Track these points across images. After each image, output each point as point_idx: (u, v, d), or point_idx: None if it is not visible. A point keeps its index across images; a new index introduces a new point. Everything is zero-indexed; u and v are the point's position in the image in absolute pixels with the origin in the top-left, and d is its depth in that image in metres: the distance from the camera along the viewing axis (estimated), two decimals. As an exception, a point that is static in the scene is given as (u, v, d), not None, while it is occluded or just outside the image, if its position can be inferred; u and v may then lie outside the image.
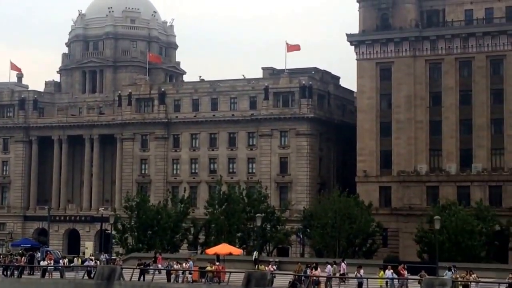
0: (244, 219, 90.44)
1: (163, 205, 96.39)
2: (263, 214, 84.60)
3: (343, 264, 65.55)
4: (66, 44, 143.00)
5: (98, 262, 78.52)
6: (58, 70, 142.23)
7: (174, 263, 67.95)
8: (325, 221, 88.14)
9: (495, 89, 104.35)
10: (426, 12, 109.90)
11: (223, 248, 75.21)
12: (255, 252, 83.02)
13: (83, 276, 66.65)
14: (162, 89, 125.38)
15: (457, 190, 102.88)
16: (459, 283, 58.52)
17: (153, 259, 72.85)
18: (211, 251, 76.31)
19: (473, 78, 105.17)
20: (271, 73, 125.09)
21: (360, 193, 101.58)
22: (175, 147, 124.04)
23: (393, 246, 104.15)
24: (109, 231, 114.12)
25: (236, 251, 77.50)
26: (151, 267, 67.83)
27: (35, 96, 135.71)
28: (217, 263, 67.56)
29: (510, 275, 58.65)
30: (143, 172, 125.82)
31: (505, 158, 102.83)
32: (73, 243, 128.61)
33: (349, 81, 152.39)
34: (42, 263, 72.25)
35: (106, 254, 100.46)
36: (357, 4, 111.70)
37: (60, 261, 74.26)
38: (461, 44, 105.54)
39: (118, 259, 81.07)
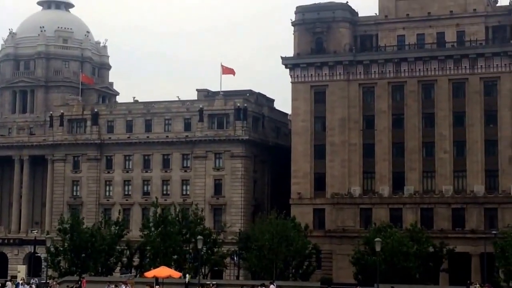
0: (180, 242, 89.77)
1: (97, 228, 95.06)
2: (201, 237, 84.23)
3: (272, 286, 66.06)
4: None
5: (28, 286, 76.96)
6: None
7: (113, 286, 66.96)
8: (262, 243, 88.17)
9: (427, 113, 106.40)
10: (360, 37, 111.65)
11: (162, 271, 74.47)
12: (188, 275, 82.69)
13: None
14: (95, 110, 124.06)
15: (389, 212, 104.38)
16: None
17: (78, 283, 71.62)
18: (150, 274, 75.44)
19: (405, 102, 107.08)
20: (206, 95, 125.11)
21: (294, 215, 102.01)
22: (108, 168, 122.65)
23: (327, 268, 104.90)
24: (39, 254, 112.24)
25: (176, 274, 76.82)
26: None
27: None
28: (157, 287, 66.83)
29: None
30: (74, 194, 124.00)
31: (436, 181, 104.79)
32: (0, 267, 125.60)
33: (283, 103, 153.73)
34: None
35: (36, 278, 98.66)
36: (292, 28, 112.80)
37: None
38: (394, 68, 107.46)
39: (54, 282, 79.42)
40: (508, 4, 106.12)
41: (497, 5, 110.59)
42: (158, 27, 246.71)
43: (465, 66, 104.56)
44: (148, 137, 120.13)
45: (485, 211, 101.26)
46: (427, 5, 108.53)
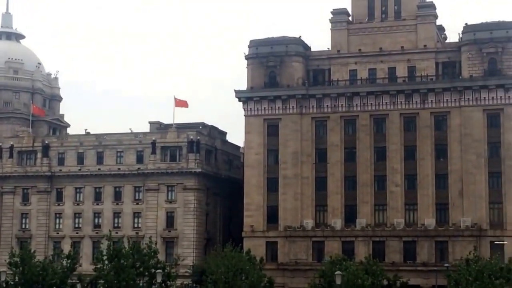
0: (134, 275, 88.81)
1: (48, 261, 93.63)
2: (160, 270, 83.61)
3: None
4: None
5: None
6: None
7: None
8: (217, 277, 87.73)
9: (378, 146, 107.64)
10: (313, 71, 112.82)
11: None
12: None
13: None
14: (46, 142, 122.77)
15: (342, 245, 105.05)
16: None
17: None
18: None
19: (357, 136, 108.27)
20: (158, 127, 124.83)
21: (249, 248, 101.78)
22: (58, 201, 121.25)
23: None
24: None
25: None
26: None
27: None
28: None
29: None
30: (23, 226, 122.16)
31: (388, 214, 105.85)
32: None
33: (236, 136, 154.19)
34: None
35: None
36: (246, 61, 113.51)
37: None
38: (346, 102, 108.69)
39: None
40: (457, 41, 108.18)
41: (447, 41, 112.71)
42: (112, 59, 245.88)
43: (416, 101, 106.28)
44: (99, 169, 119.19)
45: (436, 244, 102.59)
46: (378, 41, 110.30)
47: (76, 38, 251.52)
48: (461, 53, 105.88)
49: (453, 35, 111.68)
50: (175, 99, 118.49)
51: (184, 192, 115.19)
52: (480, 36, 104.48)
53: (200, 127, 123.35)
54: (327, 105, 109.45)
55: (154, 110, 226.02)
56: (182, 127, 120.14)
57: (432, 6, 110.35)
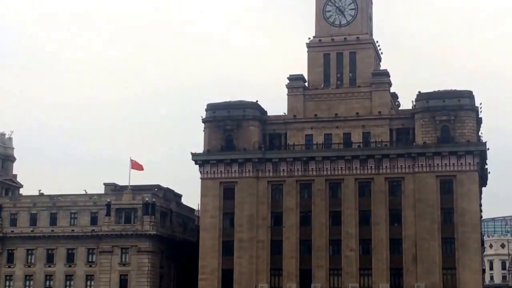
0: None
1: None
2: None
3: None
4: None
5: None
6: None
7: None
8: None
9: (334, 211, 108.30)
10: (269, 135, 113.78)
11: None
12: None
13: None
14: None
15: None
16: None
17: None
18: None
19: (313, 200, 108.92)
20: (113, 189, 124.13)
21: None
22: (9, 262, 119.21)
23: None
24: None
25: None
26: None
27: None
28: None
29: None
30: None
31: (343, 279, 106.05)
32: None
33: (191, 199, 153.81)
34: None
35: None
36: (203, 124, 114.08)
37: None
38: (302, 167, 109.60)
39: None
40: (411, 108, 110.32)
41: (400, 108, 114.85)
42: (68, 120, 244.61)
43: (371, 166, 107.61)
44: (52, 230, 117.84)
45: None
46: (334, 107, 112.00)
47: (30, 100, 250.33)
48: (415, 120, 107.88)
49: (406, 102, 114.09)
50: (131, 160, 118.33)
51: (138, 254, 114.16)
52: (433, 104, 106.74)
53: (156, 189, 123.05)
54: (283, 169, 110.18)
55: (109, 172, 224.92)
56: (137, 189, 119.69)
57: (386, 74, 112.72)
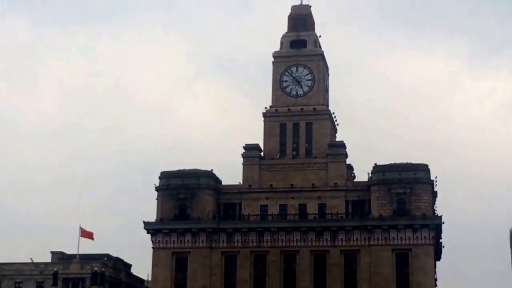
0: None
1: None
2: None
3: None
4: None
5: None
6: None
7: None
8: None
9: (288, 283, 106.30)
10: (224, 205, 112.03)
11: None
12: None
13: None
14: None
15: None
16: None
17: None
18: None
19: (267, 272, 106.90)
20: (61, 257, 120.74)
21: None
22: None
23: None
24: None
25: None
26: None
27: None
28: None
29: None
30: None
31: None
32: None
33: (142, 269, 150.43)
34: None
35: None
36: (156, 193, 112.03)
37: None
38: (257, 238, 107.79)
39: None
40: (366, 180, 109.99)
41: (356, 180, 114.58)
42: (16, 182, 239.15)
43: (326, 239, 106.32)
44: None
45: None
46: (290, 177, 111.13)
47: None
48: (371, 192, 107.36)
49: (362, 174, 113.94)
50: (81, 228, 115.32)
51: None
52: (389, 176, 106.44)
53: (105, 258, 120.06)
54: (238, 240, 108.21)
55: (57, 240, 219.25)
56: (86, 258, 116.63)
57: (342, 145, 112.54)
